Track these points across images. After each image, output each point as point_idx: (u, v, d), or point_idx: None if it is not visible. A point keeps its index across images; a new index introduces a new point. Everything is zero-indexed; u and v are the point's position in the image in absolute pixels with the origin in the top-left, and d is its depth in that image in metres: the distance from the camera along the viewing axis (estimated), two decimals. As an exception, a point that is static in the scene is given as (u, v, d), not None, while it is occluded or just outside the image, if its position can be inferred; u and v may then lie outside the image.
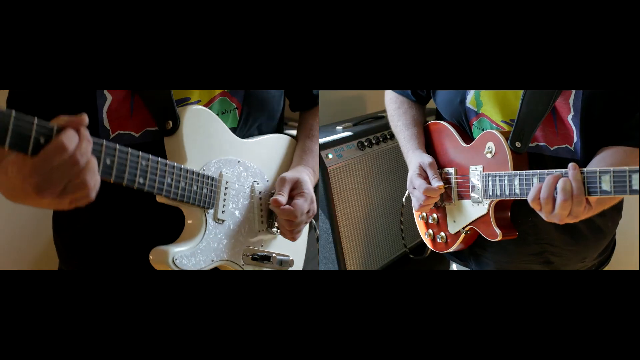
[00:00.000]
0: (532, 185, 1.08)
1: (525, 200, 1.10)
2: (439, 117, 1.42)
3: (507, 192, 1.16)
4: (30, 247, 1.91)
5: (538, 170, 1.10)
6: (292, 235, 1.18)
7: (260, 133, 1.23)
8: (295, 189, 1.16)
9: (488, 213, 1.23)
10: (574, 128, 1.14)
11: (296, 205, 1.13)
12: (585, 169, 1.02)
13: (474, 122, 1.29)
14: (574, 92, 1.13)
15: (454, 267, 1.50)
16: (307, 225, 1.33)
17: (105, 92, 1.03)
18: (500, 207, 1.24)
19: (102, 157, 0.86)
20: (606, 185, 0.98)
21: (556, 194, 1.02)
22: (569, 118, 1.14)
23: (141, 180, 0.94)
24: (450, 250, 1.37)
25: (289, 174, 1.18)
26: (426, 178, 1.31)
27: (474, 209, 1.27)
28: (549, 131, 1.18)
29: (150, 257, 1.01)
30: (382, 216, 2.03)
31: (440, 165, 1.37)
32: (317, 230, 1.31)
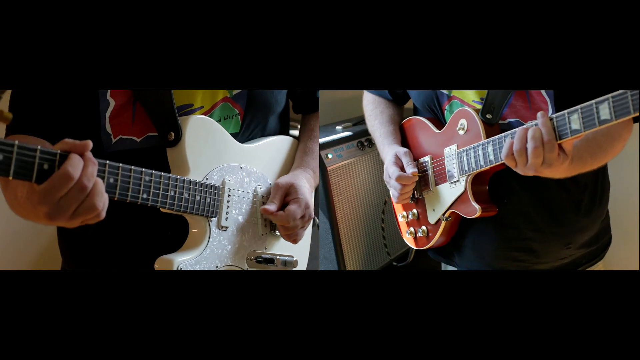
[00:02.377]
0: (502, 149, 1.09)
1: (498, 182, 1.10)
2: (415, 112, 1.43)
3: (482, 162, 1.17)
4: (30, 247, 1.91)
5: (509, 131, 1.11)
6: (291, 238, 1.19)
7: (263, 135, 1.23)
8: (290, 195, 1.17)
9: (465, 190, 1.23)
10: (547, 100, 1.15)
11: (289, 211, 1.13)
12: (554, 114, 1.02)
13: (446, 107, 1.29)
14: None
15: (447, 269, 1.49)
16: (310, 226, 1.33)
17: (108, 97, 1.03)
18: (478, 181, 1.24)
19: (106, 177, 0.88)
20: (575, 123, 0.98)
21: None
22: (543, 91, 1.15)
23: (145, 196, 0.96)
24: (432, 243, 1.35)
25: (284, 180, 1.18)
26: (402, 167, 1.31)
27: (451, 190, 1.27)
28: (522, 107, 1.18)
29: (156, 265, 1.02)
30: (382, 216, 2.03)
31: (416, 157, 1.37)
32: (318, 225, 1.31)
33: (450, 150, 1.26)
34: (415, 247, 1.42)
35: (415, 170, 1.29)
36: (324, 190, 1.79)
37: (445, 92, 1.27)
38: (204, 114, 1.11)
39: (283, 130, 1.31)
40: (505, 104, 1.18)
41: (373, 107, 1.50)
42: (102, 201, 0.84)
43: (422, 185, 1.35)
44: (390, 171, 1.31)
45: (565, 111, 1.00)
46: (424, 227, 1.37)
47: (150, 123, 1.06)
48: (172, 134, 1.05)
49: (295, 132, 1.35)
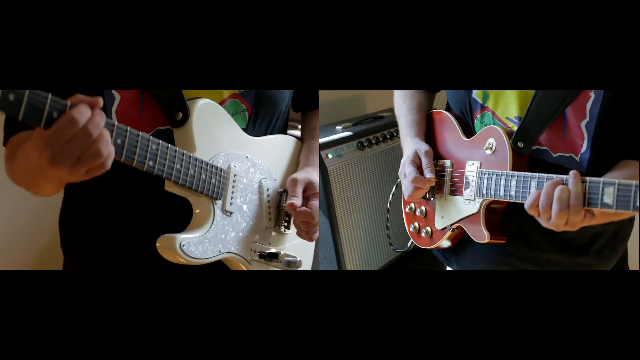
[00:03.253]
0: (529, 189, 1.03)
1: (511, 207, 1.03)
2: (449, 108, 1.37)
3: (501, 193, 1.10)
4: (30, 247, 1.91)
5: (537, 174, 1.03)
6: (309, 236, 1.17)
7: (266, 133, 1.23)
8: (309, 190, 1.17)
9: (479, 212, 1.18)
10: (585, 136, 1.07)
11: (312, 207, 1.13)
12: (588, 178, 0.95)
13: (477, 116, 1.23)
14: (592, 96, 1.06)
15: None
16: None
17: (114, 91, 1.04)
18: (492, 209, 1.18)
19: (113, 136, 0.88)
20: (608, 198, 0.91)
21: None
22: (583, 124, 1.07)
23: (151, 163, 0.95)
24: (434, 247, 1.33)
25: (301, 175, 1.18)
26: (419, 167, 1.24)
27: (464, 207, 1.21)
28: (555, 136, 1.12)
29: (157, 244, 1.00)
30: (382, 216, 2.03)
31: (437, 156, 1.31)
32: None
33: (472, 166, 1.20)
34: (416, 243, 1.40)
35: (433, 176, 1.21)
36: (323, 190, 1.79)
37: (479, 100, 1.21)
38: None
39: (284, 129, 1.30)
40: (541, 132, 1.11)
41: (409, 92, 1.42)
42: (107, 150, 0.83)
43: (436, 189, 1.29)
44: (407, 170, 1.24)
45: (602, 180, 0.93)
46: (428, 228, 1.33)
47: (159, 116, 1.06)
48: (180, 113, 1.05)
49: (293, 132, 1.34)
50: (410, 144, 1.30)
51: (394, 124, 2.10)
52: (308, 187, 1.17)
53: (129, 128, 0.91)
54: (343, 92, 2.34)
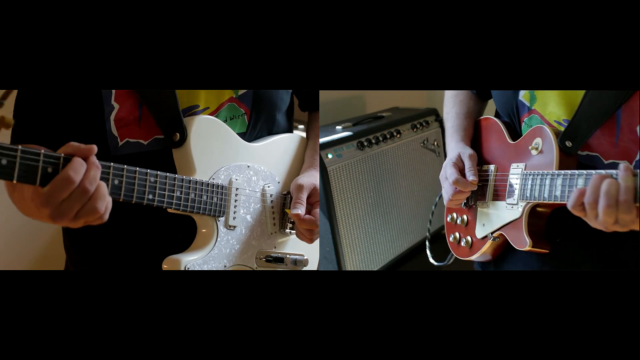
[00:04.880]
0: (575, 188, 0.94)
1: (559, 215, 0.96)
2: (497, 115, 1.30)
3: (546, 194, 1.03)
4: (30, 247, 1.91)
5: (585, 171, 0.95)
6: (310, 241, 1.17)
7: (270, 134, 1.23)
8: (313, 196, 1.16)
9: (521, 217, 1.10)
10: None
11: (316, 214, 1.13)
12: None
13: (525, 119, 1.16)
14: None
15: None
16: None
17: (113, 101, 1.04)
18: (537, 213, 1.10)
19: (110, 179, 0.89)
20: None
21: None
22: (639, 128, 0.99)
23: (150, 197, 0.97)
24: (474, 257, 1.26)
25: (305, 180, 1.16)
26: (462, 170, 1.19)
27: (507, 212, 1.14)
28: (607, 141, 1.03)
29: (164, 266, 1.02)
30: (382, 216, 2.03)
31: (482, 162, 1.25)
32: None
33: (517, 168, 1.13)
34: (455, 255, 1.33)
35: (476, 178, 1.16)
36: (323, 190, 1.79)
37: (526, 103, 1.14)
38: (210, 114, 1.11)
39: (289, 128, 1.30)
40: (592, 133, 1.03)
41: (454, 94, 1.38)
42: (104, 204, 0.85)
43: (478, 194, 1.23)
44: (448, 172, 1.19)
45: None
46: (469, 238, 1.27)
47: (157, 126, 1.06)
48: (178, 134, 1.05)
49: (298, 132, 1.34)
50: (454, 147, 1.26)
51: (394, 124, 2.11)
52: (312, 193, 1.16)
53: (125, 167, 0.92)
54: (343, 92, 2.34)
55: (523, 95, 1.14)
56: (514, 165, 1.15)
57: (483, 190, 1.22)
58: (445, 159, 1.26)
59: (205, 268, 1.04)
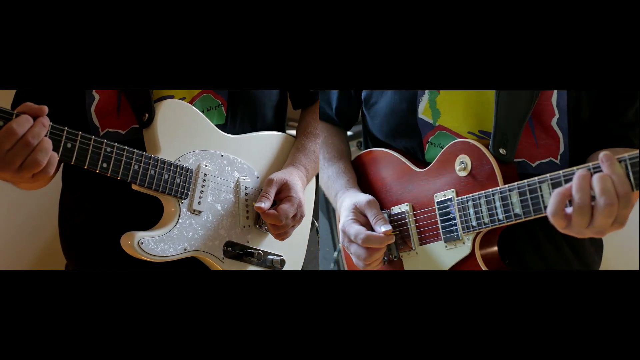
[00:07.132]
0: (540, 199, 0.84)
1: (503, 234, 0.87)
2: (367, 145, 1.14)
3: (501, 216, 0.89)
4: (30, 247, 1.91)
5: (547, 175, 0.84)
6: (279, 237, 1.17)
7: (255, 130, 1.22)
8: (282, 192, 1.15)
9: (473, 252, 0.95)
10: (560, 134, 0.95)
11: (281, 210, 1.11)
12: (626, 155, 0.76)
13: (430, 139, 1.03)
14: (555, 91, 0.94)
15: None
16: (310, 225, 1.32)
17: (94, 92, 1.08)
18: (487, 241, 0.96)
19: (62, 141, 0.93)
20: None
21: (594, 198, 0.77)
22: (554, 122, 0.94)
23: (104, 165, 0.99)
24: None
25: (278, 176, 1.16)
26: (366, 224, 1.02)
27: (449, 252, 0.98)
28: (528, 143, 0.97)
29: (121, 241, 1.03)
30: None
31: (384, 206, 1.06)
32: (318, 234, 1.30)
33: (444, 198, 0.98)
34: None
35: (389, 227, 0.98)
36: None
37: (428, 120, 1.02)
38: None
39: (279, 127, 1.29)
40: (519, 135, 0.94)
41: (322, 138, 1.23)
42: (46, 158, 0.88)
43: (398, 245, 1.04)
44: (351, 232, 1.00)
45: None
46: None
47: (133, 114, 1.09)
48: (147, 114, 1.07)
49: (292, 132, 1.33)
50: (343, 199, 1.09)
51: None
52: (282, 188, 1.14)
53: (80, 133, 0.95)
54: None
55: (423, 111, 1.02)
56: (438, 195, 0.99)
57: (403, 237, 1.04)
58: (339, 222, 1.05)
59: (160, 246, 1.05)
